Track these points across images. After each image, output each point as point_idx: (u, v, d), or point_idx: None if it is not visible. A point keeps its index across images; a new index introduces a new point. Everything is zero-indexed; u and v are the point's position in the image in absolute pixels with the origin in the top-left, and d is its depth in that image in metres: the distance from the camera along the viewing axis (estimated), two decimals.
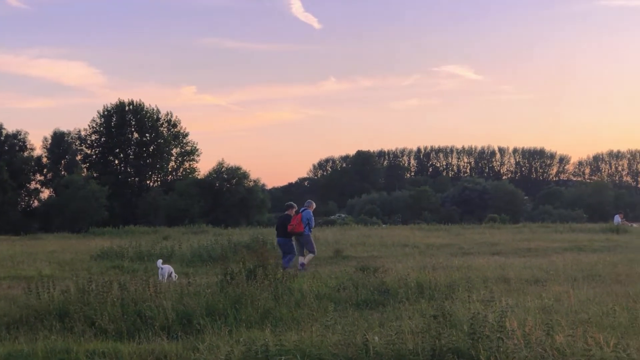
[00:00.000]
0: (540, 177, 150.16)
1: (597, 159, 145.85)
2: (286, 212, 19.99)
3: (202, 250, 22.44)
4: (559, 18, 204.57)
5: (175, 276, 15.68)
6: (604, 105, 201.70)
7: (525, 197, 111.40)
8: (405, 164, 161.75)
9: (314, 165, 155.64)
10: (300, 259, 19.28)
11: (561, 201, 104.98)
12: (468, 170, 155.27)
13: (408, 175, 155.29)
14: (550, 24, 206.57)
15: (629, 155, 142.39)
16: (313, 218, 19.80)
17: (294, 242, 19.59)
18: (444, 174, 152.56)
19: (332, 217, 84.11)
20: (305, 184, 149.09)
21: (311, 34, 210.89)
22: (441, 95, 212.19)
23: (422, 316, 9.37)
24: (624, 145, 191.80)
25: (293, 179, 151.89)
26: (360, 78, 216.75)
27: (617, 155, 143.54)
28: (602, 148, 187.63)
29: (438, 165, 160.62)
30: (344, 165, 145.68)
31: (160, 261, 16.53)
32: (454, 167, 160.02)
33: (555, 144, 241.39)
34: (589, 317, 9.25)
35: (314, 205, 20.38)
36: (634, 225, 43.66)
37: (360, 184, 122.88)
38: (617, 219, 43.51)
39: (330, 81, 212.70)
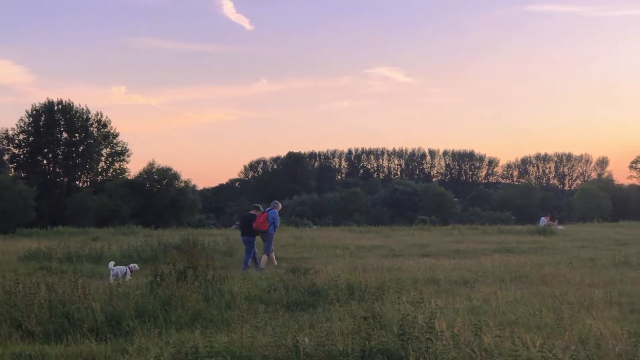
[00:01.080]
0: (470, 179, 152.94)
1: (525, 161, 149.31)
2: (251, 212, 21.08)
3: (132, 251, 22.41)
4: (487, 22, 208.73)
5: (130, 279, 15.54)
6: (532, 108, 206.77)
7: (455, 199, 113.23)
8: (336, 166, 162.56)
9: (245, 167, 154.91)
10: (264, 259, 20.25)
11: (490, 203, 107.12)
12: (399, 172, 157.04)
13: (339, 176, 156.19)
14: (478, 28, 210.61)
15: (555, 158, 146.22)
16: (278, 218, 20.80)
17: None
18: (375, 175, 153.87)
19: None
20: (237, 185, 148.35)
21: (243, 35, 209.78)
22: (372, 97, 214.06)
23: (352, 317, 9.46)
24: (551, 148, 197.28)
25: (224, 180, 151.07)
26: (292, 79, 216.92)
27: (544, 158, 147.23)
28: (530, 151, 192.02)
29: (369, 167, 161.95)
30: (275, 166, 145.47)
31: (112, 263, 16.90)
32: (385, 169, 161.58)
33: (485, 147, 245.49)
34: (516, 317, 9.52)
35: (280, 206, 21.40)
36: (560, 227, 44.95)
37: (291, 186, 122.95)
38: (544, 220, 44.68)
39: (261, 82, 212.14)
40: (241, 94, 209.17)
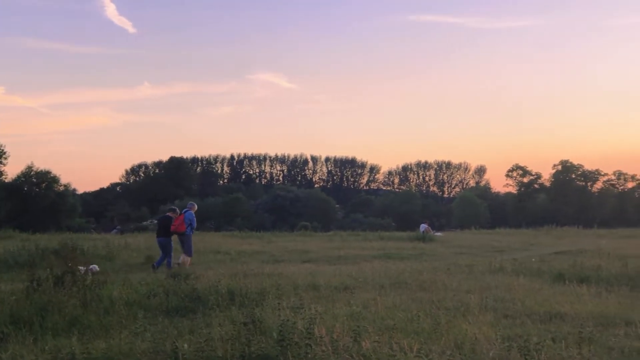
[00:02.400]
0: (352, 186, 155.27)
1: (405, 168, 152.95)
2: (167, 214, 21.53)
3: (8, 255, 21.54)
4: (370, 30, 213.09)
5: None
6: (412, 116, 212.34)
7: (337, 205, 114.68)
8: (219, 171, 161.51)
9: (126, 171, 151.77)
10: (182, 258, 20.64)
11: (371, 209, 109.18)
12: (281, 178, 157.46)
13: (221, 182, 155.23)
14: (361, 36, 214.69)
15: (435, 166, 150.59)
16: (195, 219, 21.19)
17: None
18: (257, 181, 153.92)
19: (145, 223, 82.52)
20: (118, 189, 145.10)
21: (126, 38, 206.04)
22: (256, 103, 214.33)
23: (232, 323, 9.40)
24: (431, 156, 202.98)
25: (105, 184, 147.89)
26: (176, 83, 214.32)
27: (424, 166, 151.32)
28: (411, 158, 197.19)
29: (251, 172, 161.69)
30: (157, 171, 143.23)
31: None
32: (267, 174, 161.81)
33: (366, 154, 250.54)
34: (394, 323, 9.68)
35: (196, 207, 21.85)
36: (439, 234, 46.30)
37: (173, 190, 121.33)
38: (423, 227, 45.89)
39: (144, 86, 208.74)
40: (124, 97, 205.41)
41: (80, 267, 16.49)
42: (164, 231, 20.93)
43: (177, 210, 21.80)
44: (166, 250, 20.87)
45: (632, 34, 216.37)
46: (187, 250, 20.99)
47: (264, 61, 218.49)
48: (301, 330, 8.16)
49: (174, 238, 21.44)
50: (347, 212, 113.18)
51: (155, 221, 46.33)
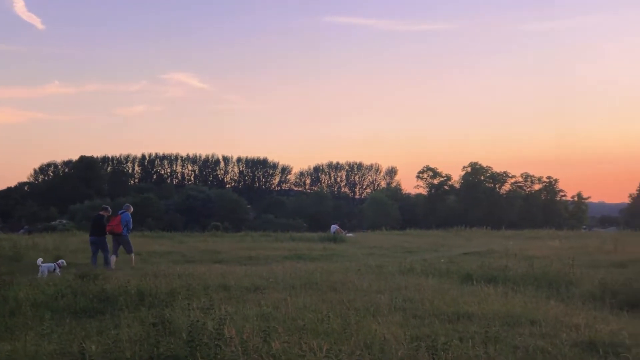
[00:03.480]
0: (263, 187, 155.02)
1: (317, 169, 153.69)
2: (99, 213, 21.82)
3: None
4: (284, 31, 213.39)
5: (59, 274, 16.47)
6: (324, 117, 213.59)
7: (249, 206, 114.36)
8: (130, 171, 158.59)
9: (35, 170, 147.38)
10: (112, 258, 20.95)
11: (283, 210, 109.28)
12: (192, 178, 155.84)
13: (132, 182, 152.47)
14: (274, 37, 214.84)
15: (347, 167, 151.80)
16: (131, 220, 21.68)
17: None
18: (169, 181, 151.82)
19: (53, 222, 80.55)
20: (26, 188, 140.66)
21: (34, 35, 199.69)
22: (167, 103, 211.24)
23: (141, 324, 9.35)
24: (342, 157, 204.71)
25: (12, 183, 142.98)
26: (86, 82, 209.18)
27: (336, 167, 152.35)
28: (322, 159, 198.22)
29: (163, 172, 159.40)
30: (67, 170, 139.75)
31: (40, 260, 17.90)
32: (179, 174, 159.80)
33: (278, 155, 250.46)
34: (304, 323, 9.72)
35: (132, 209, 22.19)
36: (350, 234, 46.72)
37: (83, 190, 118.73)
38: (334, 228, 46.23)
39: (53, 84, 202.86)
40: (32, 95, 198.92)
41: (50, 264, 17.68)
42: (96, 230, 21.27)
43: (109, 208, 22.24)
44: (102, 247, 21.21)
45: (537, 39, 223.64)
46: (128, 249, 21.45)
47: (176, 61, 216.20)
48: (211, 330, 8.15)
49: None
50: (258, 213, 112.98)
51: (65, 221, 45.52)
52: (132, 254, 21.55)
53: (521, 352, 8.42)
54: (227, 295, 13.60)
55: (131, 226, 21.82)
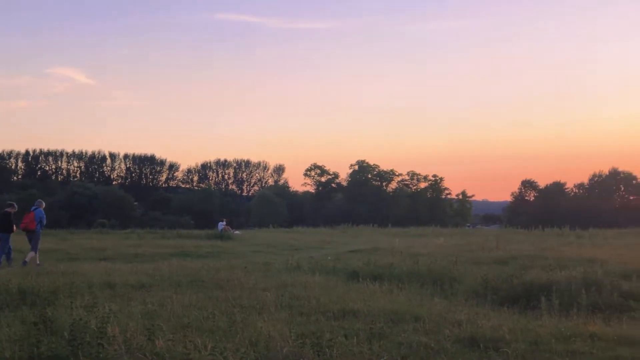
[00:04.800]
0: (151, 184, 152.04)
1: (205, 167, 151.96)
2: (6, 210, 21.19)
3: None
4: (174, 26, 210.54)
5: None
6: (212, 113, 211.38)
7: (135, 203, 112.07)
8: (13, 167, 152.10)
9: None
10: (30, 255, 20.70)
11: (170, 207, 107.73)
12: (78, 175, 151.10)
13: (15, 178, 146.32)
14: (164, 33, 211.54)
15: (235, 165, 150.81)
16: (45, 217, 21.45)
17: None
18: (53, 177, 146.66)
19: None
20: None
21: None
22: (52, 98, 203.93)
23: (22, 323, 9.11)
24: (230, 154, 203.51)
25: None
26: None
27: (224, 164, 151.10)
28: (210, 156, 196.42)
29: (47, 168, 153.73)
30: None
31: None
32: (64, 171, 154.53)
33: (166, 151, 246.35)
34: (189, 321, 9.62)
35: (44, 204, 21.96)
36: (237, 232, 46.59)
37: None
38: (221, 225, 46.00)
39: None
40: None
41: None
42: (4, 227, 20.71)
43: (15, 205, 21.70)
44: (5, 244, 20.68)
45: (420, 39, 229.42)
46: (34, 246, 20.94)
47: (61, 56, 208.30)
48: (94, 329, 7.99)
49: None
50: (145, 210, 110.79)
51: None
52: (34, 253, 20.94)
53: (405, 348, 8.56)
54: (112, 293, 13.33)
55: (45, 222, 21.56)
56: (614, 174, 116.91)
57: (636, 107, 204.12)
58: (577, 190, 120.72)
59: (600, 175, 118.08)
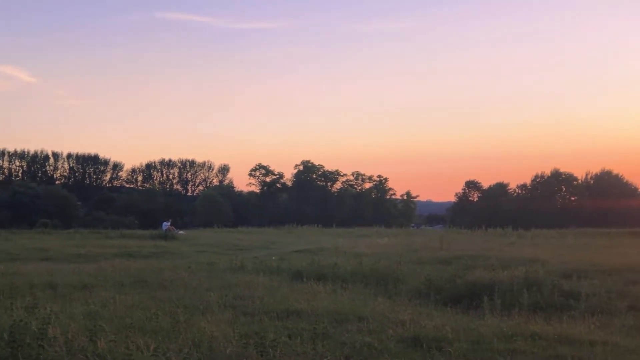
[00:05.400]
0: (94, 183, 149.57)
1: (149, 166, 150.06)
2: None
3: None
4: (117, 25, 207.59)
5: None
6: (156, 113, 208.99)
7: (79, 203, 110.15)
8: None
9: None
10: None
11: (114, 207, 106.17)
12: (20, 174, 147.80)
13: None
14: (106, 32, 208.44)
15: (179, 164, 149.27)
16: None
17: None
18: None
19: None
20: None
21: None
22: None
23: None
24: (175, 154, 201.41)
25: None
26: None
27: (168, 164, 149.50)
28: (155, 156, 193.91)
29: None
30: None
31: None
32: (5, 170, 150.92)
33: (110, 151, 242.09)
34: (132, 322, 9.50)
35: None
36: (181, 232, 46.19)
37: None
38: (166, 225, 45.58)
39: None
40: None
41: None
42: None
43: None
44: None
45: (365, 38, 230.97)
46: None
47: (3, 54, 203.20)
48: (34, 330, 7.83)
49: None
50: (89, 210, 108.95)
51: None
52: None
53: (348, 348, 8.58)
54: (54, 293, 13.13)
55: None
56: (556, 175, 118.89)
57: (576, 109, 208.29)
58: (519, 191, 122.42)
59: (542, 176, 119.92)
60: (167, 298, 12.57)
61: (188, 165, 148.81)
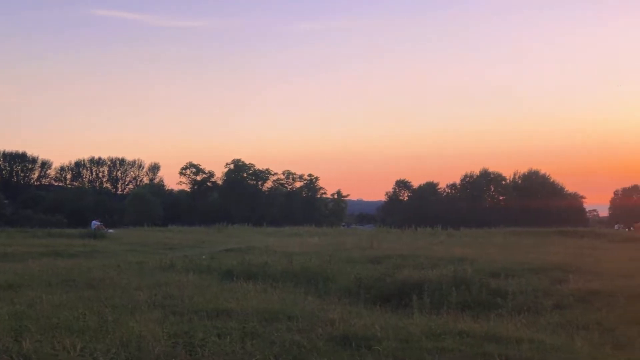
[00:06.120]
0: (22, 181, 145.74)
1: (78, 164, 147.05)
2: None
3: None
4: (49, 21, 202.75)
5: None
6: (86, 111, 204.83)
7: (6, 201, 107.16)
8: None
9: None
10: None
11: (42, 206, 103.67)
12: None
13: None
14: (39, 28, 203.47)
15: (109, 162, 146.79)
16: None
17: None
18: None
19: None
20: None
21: None
22: None
23: None
24: (105, 152, 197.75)
25: None
26: None
27: (98, 162, 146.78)
28: (84, 154, 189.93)
29: None
30: None
31: None
32: None
33: (38, 149, 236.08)
34: (59, 321, 9.31)
35: None
36: (111, 230, 45.43)
37: None
38: (95, 224, 44.79)
39: None
40: None
41: None
42: None
43: None
44: None
45: (294, 38, 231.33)
46: None
47: None
48: None
49: None
50: (16, 208, 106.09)
51: None
52: None
53: (278, 347, 8.52)
54: None
55: None
56: (485, 174, 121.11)
57: (505, 110, 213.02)
58: (449, 191, 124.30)
59: (471, 176, 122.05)
60: (95, 297, 12.34)
61: (118, 164, 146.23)
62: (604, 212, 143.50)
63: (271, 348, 8.49)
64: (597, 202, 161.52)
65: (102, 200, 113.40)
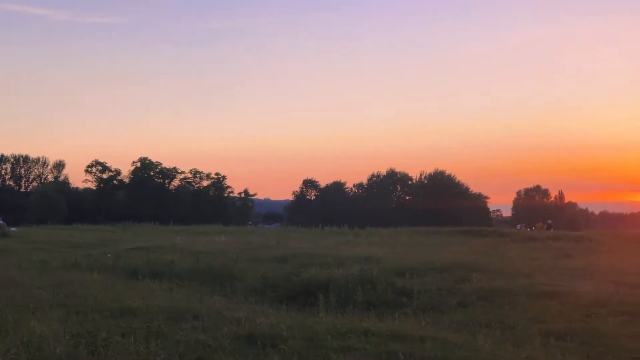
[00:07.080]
0: None
1: None
2: None
3: None
4: None
5: None
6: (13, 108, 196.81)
7: None
8: None
9: None
10: None
11: None
12: None
13: None
14: None
15: (12, 159, 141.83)
16: None
17: None
18: None
19: None
20: None
21: None
22: None
23: None
24: (8, 149, 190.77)
25: None
26: None
27: (1, 159, 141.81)
28: None
29: None
30: None
31: None
32: None
33: None
34: None
35: None
36: (14, 229, 43.86)
37: None
38: None
39: None
40: None
41: None
42: None
43: None
44: None
45: (206, 35, 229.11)
46: None
47: None
48: None
49: None
50: None
51: None
52: None
53: (183, 347, 8.41)
54: None
55: None
56: (392, 174, 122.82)
57: (410, 109, 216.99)
58: (356, 190, 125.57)
59: (378, 176, 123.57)
60: None
61: (22, 161, 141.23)
62: (507, 212, 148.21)
63: (176, 347, 8.37)
64: (501, 202, 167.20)
65: (4, 198, 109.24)
